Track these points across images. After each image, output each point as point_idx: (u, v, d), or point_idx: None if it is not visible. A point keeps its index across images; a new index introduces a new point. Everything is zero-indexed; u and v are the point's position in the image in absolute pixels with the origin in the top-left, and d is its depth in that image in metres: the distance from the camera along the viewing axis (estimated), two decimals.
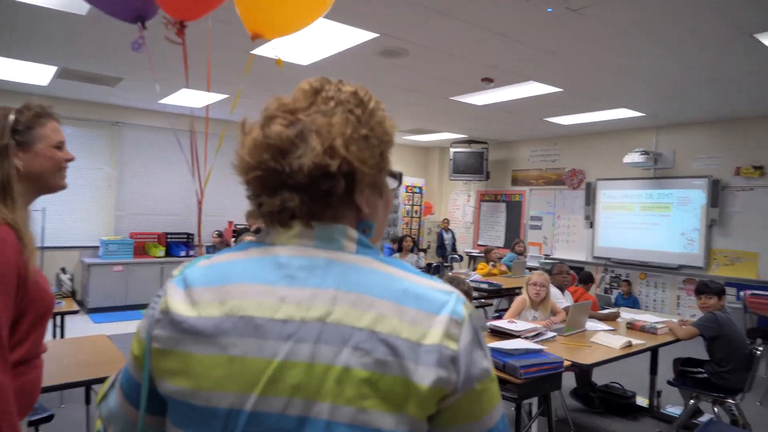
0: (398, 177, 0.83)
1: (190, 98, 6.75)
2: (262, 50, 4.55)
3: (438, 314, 0.66)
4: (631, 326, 3.85)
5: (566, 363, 2.86)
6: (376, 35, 4.18)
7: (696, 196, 7.00)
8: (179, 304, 0.69)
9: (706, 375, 3.54)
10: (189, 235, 8.13)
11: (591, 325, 3.81)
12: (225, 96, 6.55)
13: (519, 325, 3.41)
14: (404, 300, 0.66)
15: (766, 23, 3.67)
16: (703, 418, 3.87)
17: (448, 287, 0.70)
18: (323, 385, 0.63)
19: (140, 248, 7.70)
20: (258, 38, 2.05)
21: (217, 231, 7.99)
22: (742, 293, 5.66)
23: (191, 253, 7.85)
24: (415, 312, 0.65)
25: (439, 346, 0.64)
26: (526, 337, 3.26)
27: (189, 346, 0.67)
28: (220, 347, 0.65)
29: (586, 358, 3.03)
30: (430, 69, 5.14)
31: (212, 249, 7.98)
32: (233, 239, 7.33)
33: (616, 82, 5.30)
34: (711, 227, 6.87)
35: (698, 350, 3.87)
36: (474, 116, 7.41)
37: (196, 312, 0.68)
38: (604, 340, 3.36)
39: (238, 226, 7.82)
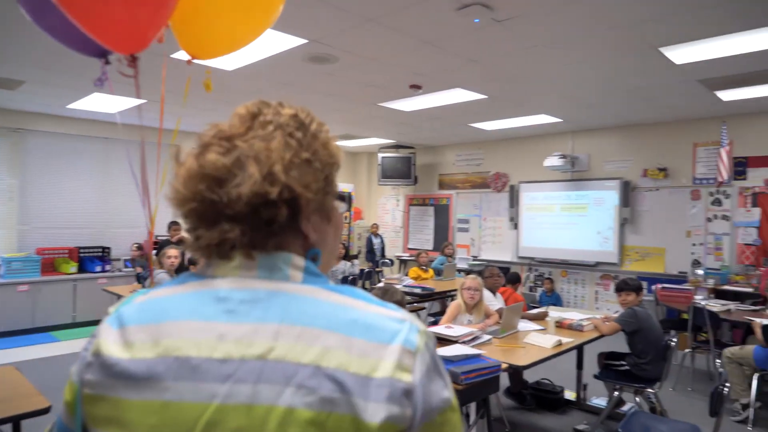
0: (347, 199, 0.81)
1: (102, 103, 6.32)
2: (181, 54, 4.33)
3: (389, 344, 0.62)
4: (560, 324, 4.03)
5: (503, 366, 2.93)
6: (304, 41, 4.11)
7: (609, 197, 7.47)
8: (111, 346, 0.65)
9: (627, 367, 3.76)
10: (105, 249, 7.60)
11: (523, 325, 3.94)
12: (142, 101, 6.19)
13: (456, 330, 3.46)
14: (352, 331, 0.62)
15: (670, 38, 3.98)
16: (626, 408, 4.12)
17: (400, 314, 0.66)
18: (265, 429, 0.58)
19: (49, 265, 7.09)
20: (196, 59, 1.96)
21: (136, 243, 7.53)
22: (653, 287, 6.09)
23: (107, 268, 7.35)
24: (364, 343, 0.61)
25: (390, 380, 0.60)
26: (464, 342, 3.31)
27: (121, 391, 0.62)
28: (153, 392, 0.61)
29: (521, 360, 3.12)
30: (359, 75, 5.13)
31: (131, 263, 7.51)
32: (154, 252, 6.95)
33: (536, 89, 5.55)
34: (623, 225, 7.35)
35: (619, 344, 4.10)
36: (402, 122, 7.49)
37: (129, 354, 0.63)
38: (537, 340, 3.48)
39: (160, 238, 7.40)
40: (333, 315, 0.64)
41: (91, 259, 7.34)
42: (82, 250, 7.38)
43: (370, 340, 0.62)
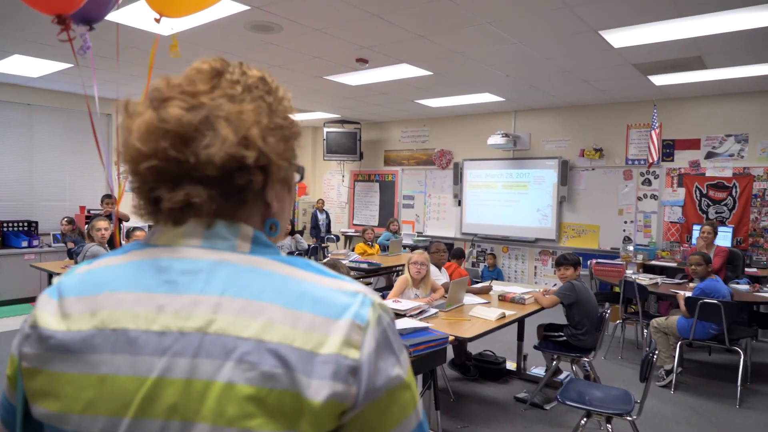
0: (301, 171, 0.77)
1: (24, 66, 5.83)
2: (113, 16, 4.05)
3: (338, 319, 0.59)
4: (503, 298, 4.15)
5: (450, 338, 2.99)
6: (246, 8, 3.93)
7: (549, 176, 7.72)
8: (49, 317, 0.62)
9: (565, 338, 3.94)
10: (31, 224, 7.11)
11: (468, 299, 4.03)
12: (68, 65, 5.76)
13: (404, 304, 3.49)
14: (300, 304, 0.59)
15: (610, 21, 4.09)
16: (562, 376, 4.33)
17: (354, 287, 0.63)
18: (203, 405, 0.56)
19: None
20: (162, 18, 1.81)
21: (66, 218, 7.09)
22: (588, 262, 6.38)
23: (34, 243, 6.90)
24: (312, 317, 0.58)
25: (336, 356, 0.57)
26: (411, 316, 3.34)
27: (57, 364, 0.60)
28: (89, 365, 0.59)
29: (467, 332, 3.20)
30: (304, 47, 4.98)
31: (62, 237, 7.08)
32: (86, 226, 6.56)
33: (481, 67, 5.59)
34: (561, 203, 7.64)
35: (557, 316, 4.28)
36: (347, 96, 7.38)
37: (65, 325, 0.60)
38: (481, 313, 3.57)
39: (92, 212, 7.00)
40: (280, 287, 0.60)
41: (16, 234, 6.86)
42: (5, 225, 6.88)
43: (317, 314, 0.59)
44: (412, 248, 8.22)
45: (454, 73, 5.90)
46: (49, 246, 7.06)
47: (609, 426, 2.83)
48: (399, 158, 9.62)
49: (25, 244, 6.79)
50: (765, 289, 4.96)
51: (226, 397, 0.55)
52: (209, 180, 0.61)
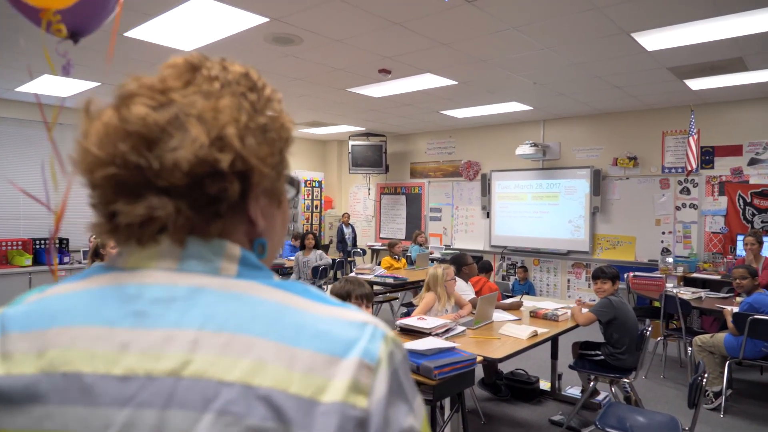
0: (296, 185, 0.67)
1: (53, 86, 5.94)
2: (135, 33, 4.07)
3: (343, 357, 0.49)
4: (534, 314, 3.94)
5: (478, 359, 2.82)
6: (266, 20, 3.88)
7: (580, 186, 7.46)
8: None
9: (602, 357, 3.70)
10: (62, 240, 7.23)
11: (497, 315, 3.85)
12: (95, 84, 5.85)
13: (429, 322, 3.32)
14: (297, 339, 0.49)
15: (642, 23, 3.89)
16: (600, 397, 4.08)
17: (362, 316, 0.53)
18: None
19: (1, 257, 6.70)
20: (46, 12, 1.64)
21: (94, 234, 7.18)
22: (625, 275, 6.09)
23: (65, 260, 7.00)
24: (312, 355, 0.48)
25: (341, 405, 0.47)
26: (437, 334, 3.18)
27: None
28: (31, 419, 0.48)
29: (496, 352, 3.01)
30: (325, 58, 4.92)
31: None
32: (91, 243, 6.58)
33: (507, 75, 5.43)
34: (594, 214, 7.36)
35: (594, 334, 4.05)
36: (371, 108, 7.30)
37: (5, 368, 0.50)
38: (512, 331, 3.38)
39: None
40: (273, 318, 0.50)
41: (48, 251, 6.97)
42: (36, 242, 7.00)
43: (319, 351, 0.48)
44: (441, 261, 8.05)
45: (479, 82, 5.76)
46: (80, 263, 7.15)
47: None
48: (425, 170, 9.48)
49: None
50: None
51: None
52: (176, 189, 0.51)
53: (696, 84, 5.59)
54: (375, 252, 9.81)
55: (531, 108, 7.05)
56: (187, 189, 0.52)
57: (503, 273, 8.36)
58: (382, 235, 10.08)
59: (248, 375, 0.47)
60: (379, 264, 7.18)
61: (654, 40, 4.25)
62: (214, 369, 0.47)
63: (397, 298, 6.87)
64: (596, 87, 5.86)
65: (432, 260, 7.62)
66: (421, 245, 7.96)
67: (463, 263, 4.50)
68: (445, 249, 8.77)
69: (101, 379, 0.48)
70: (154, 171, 0.51)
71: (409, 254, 7.76)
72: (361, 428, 0.47)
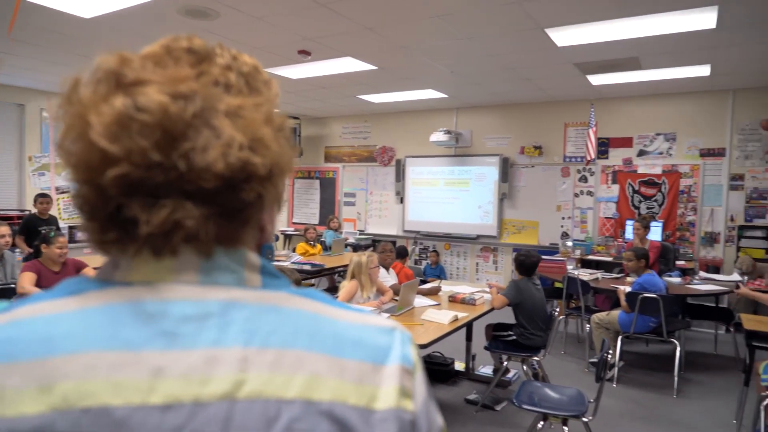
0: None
1: None
2: None
3: (385, 364, 0.49)
4: (453, 299, 4.08)
5: None
6: None
7: (490, 173, 7.78)
8: None
9: (514, 337, 3.92)
10: None
11: (418, 301, 3.93)
12: None
13: None
14: (341, 350, 0.48)
15: (556, 19, 4.10)
16: (510, 375, 4.33)
17: (388, 322, 0.53)
18: None
19: None
20: None
21: None
22: None
23: None
24: (359, 365, 0.48)
25: (396, 411, 0.47)
26: None
27: None
28: None
29: (420, 338, 3.08)
30: (243, 36, 4.69)
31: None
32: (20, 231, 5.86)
33: (426, 63, 5.51)
34: (502, 200, 7.73)
35: (505, 315, 4.27)
36: (287, 90, 7.10)
37: None
38: (434, 316, 3.47)
39: (25, 212, 6.28)
40: (314, 330, 0.48)
41: None
42: None
43: (364, 360, 0.48)
44: (355, 247, 8.08)
45: (399, 69, 5.79)
46: None
47: (566, 428, 2.81)
48: (340, 155, 9.42)
49: None
50: (695, 280, 5.20)
51: None
52: (203, 194, 0.46)
53: (596, 80, 6.01)
54: (287, 237, 9.63)
55: (446, 96, 7.21)
56: (215, 194, 0.46)
57: (415, 257, 8.56)
58: (294, 220, 9.91)
59: (306, 390, 0.45)
60: (293, 250, 7.07)
61: (564, 36, 4.50)
62: (271, 387, 0.44)
63: (314, 285, 6.81)
64: (508, 78, 6.11)
65: (347, 245, 7.63)
66: (335, 230, 7.93)
67: (405, 253, 4.60)
68: (359, 234, 8.81)
69: (137, 411, 0.42)
70: (179, 172, 0.45)
71: (323, 240, 7.71)
72: (412, 429, 0.48)
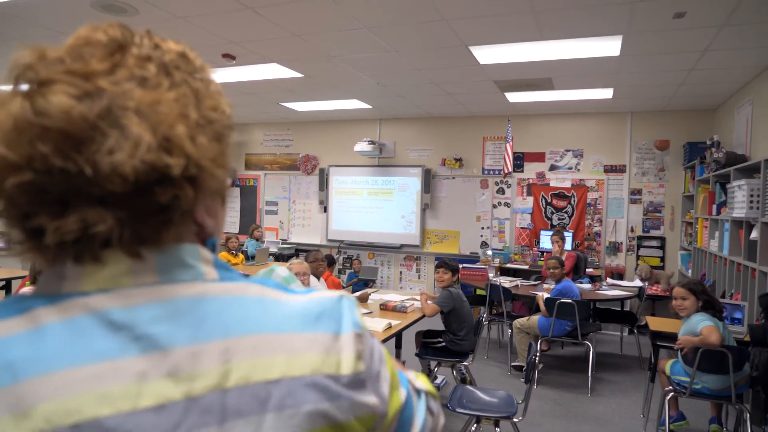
0: (234, 174, 0.62)
1: None
2: None
3: (341, 333, 0.52)
4: (384, 307, 4.09)
5: None
6: None
7: (413, 183, 7.95)
8: None
9: (444, 343, 4.00)
10: None
11: None
12: None
13: None
14: (305, 326, 0.51)
15: (480, 37, 4.28)
16: (438, 381, 4.41)
17: (333, 293, 0.57)
18: None
19: None
20: None
21: None
22: None
23: None
24: (323, 337, 0.51)
25: (355, 374, 0.52)
26: None
27: None
28: None
29: None
30: (163, 35, 4.45)
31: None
32: None
33: (353, 73, 5.54)
34: (424, 210, 7.91)
35: (433, 323, 4.35)
36: None
37: None
38: (368, 324, 3.46)
39: None
40: (279, 312, 0.52)
41: None
42: None
43: (325, 332, 0.52)
44: (277, 257, 7.91)
45: (325, 77, 5.77)
46: None
47: (497, 429, 2.90)
48: (261, 162, 9.20)
49: None
50: (604, 286, 5.60)
51: None
52: (114, 198, 0.44)
53: (513, 97, 6.34)
54: None
55: (370, 107, 7.29)
56: (127, 198, 0.44)
57: (339, 267, 8.52)
58: None
59: (288, 368, 0.48)
60: None
61: (486, 54, 4.71)
62: (257, 372, 0.47)
63: None
64: (432, 92, 6.29)
65: (270, 255, 7.45)
66: (257, 240, 7.72)
67: (332, 261, 4.55)
68: (282, 243, 8.63)
69: (129, 417, 0.42)
70: (85, 178, 0.43)
71: (245, 249, 7.47)
72: (370, 387, 0.52)
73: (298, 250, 8.20)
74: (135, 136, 0.43)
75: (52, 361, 0.42)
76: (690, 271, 6.09)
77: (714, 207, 5.06)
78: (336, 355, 0.51)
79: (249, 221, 8.95)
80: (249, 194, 9.26)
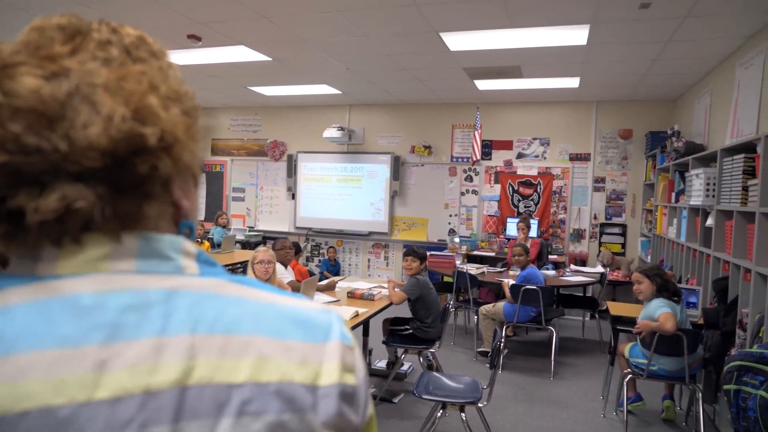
0: (202, 160, 0.60)
1: None
2: None
3: (326, 342, 0.51)
4: (352, 295, 4.09)
5: None
6: None
7: (382, 170, 7.93)
8: None
9: (411, 331, 4.03)
10: None
11: (316, 297, 3.89)
12: None
13: None
14: (283, 331, 0.49)
15: (451, 24, 4.27)
16: (404, 368, 4.45)
17: (321, 306, 0.55)
18: None
19: None
20: None
21: None
22: None
23: None
24: (301, 345, 0.49)
25: (338, 386, 0.49)
26: None
27: None
28: None
29: None
30: (126, 15, 4.31)
31: None
32: None
33: (323, 58, 5.46)
34: (393, 198, 7.91)
35: (400, 310, 4.38)
36: None
37: None
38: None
39: None
40: (256, 314, 0.49)
41: None
42: None
43: (306, 340, 0.50)
44: (244, 244, 7.80)
45: (294, 61, 5.67)
46: None
47: (463, 415, 2.95)
48: (228, 148, 9.03)
49: None
50: (567, 273, 5.73)
51: None
52: (92, 173, 0.44)
53: (483, 85, 6.37)
54: None
55: (340, 92, 7.21)
56: (106, 172, 0.44)
57: (307, 254, 8.47)
58: None
59: (255, 373, 0.46)
60: None
61: (457, 41, 4.71)
62: (221, 373, 0.45)
63: None
64: (402, 79, 6.26)
65: (237, 242, 7.35)
66: (223, 227, 7.60)
67: (299, 249, 4.50)
68: (249, 231, 8.51)
69: (83, 408, 0.40)
70: (61, 154, 0.43)
71: (210, 237, 7.34)
72: (353, 403, 0.50)
73: (266, 238, 8.11)
74: (108, 110, 0.44)
75: (13, 342, 0.41)
76: (649, 257, 6.28)
77: (673, 195, 5.22)
78: (315, 365, 0.49)
79: (215, 208, 8.78)
80: (215, 180, 9.09)
